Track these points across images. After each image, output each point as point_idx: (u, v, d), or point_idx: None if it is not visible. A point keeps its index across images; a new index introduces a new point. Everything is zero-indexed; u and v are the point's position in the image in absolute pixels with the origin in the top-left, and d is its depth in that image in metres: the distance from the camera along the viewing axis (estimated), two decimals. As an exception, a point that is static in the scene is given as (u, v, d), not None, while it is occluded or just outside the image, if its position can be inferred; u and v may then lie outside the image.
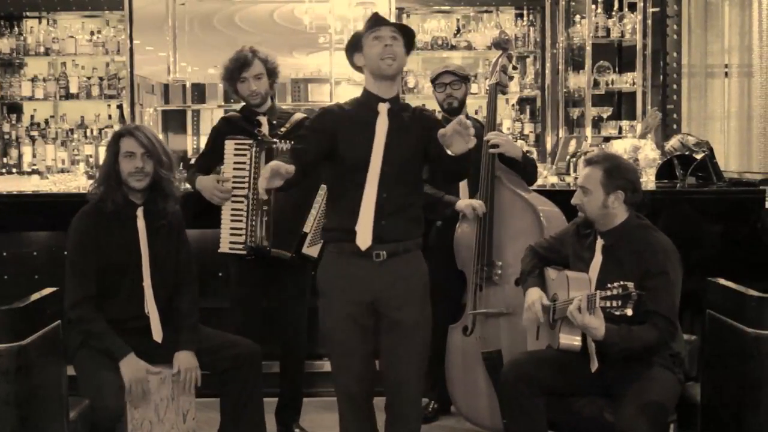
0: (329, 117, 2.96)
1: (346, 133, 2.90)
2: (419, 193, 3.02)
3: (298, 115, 3.76)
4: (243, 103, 3.76)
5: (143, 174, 3.16)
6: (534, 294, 3.13)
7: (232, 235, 3.56)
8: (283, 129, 3.66)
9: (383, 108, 2.92)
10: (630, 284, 2.71)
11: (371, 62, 2.90)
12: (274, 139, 3.58)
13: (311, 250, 3.56)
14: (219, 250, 3.58)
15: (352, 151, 2.88)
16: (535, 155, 6.34)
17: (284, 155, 3.38)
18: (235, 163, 3.56)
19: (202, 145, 6.67)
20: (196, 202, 3.66)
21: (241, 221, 3.55)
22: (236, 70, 3.64)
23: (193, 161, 3.98)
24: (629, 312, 2.72)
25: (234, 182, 3.55)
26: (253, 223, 3.53)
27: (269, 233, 3.52)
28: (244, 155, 3.54)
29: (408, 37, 2.95)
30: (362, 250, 2.85)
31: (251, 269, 3.61)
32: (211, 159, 3.74)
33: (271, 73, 3.69)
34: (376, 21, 2.92)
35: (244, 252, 3.55)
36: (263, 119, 3.68)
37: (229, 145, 3.57)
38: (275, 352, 3.74)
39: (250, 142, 3.55)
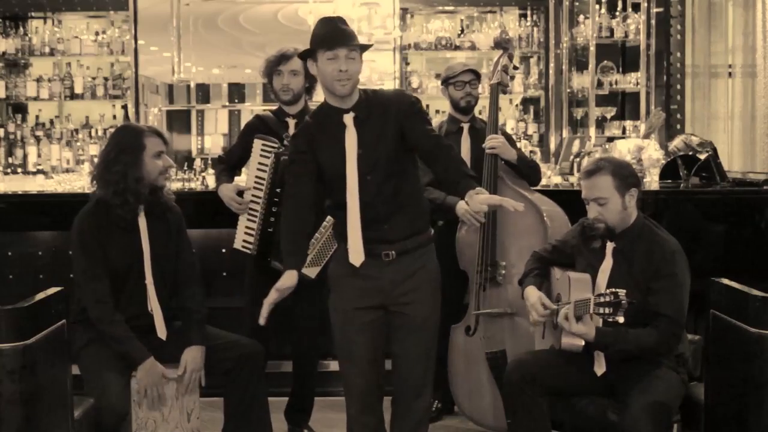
0: (303, 139, 2.94)
1: (320, 149, 2.89)
2: (413, 186, 2.97)
3: None
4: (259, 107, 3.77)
5: (168, 170, 3.19)
6: (533, 294, 3.12)
7: (246, 233, 3.57)
8: None
9: (348, 119, 2.87)
10: (622, 292, 2.71)
11: (325, 81, 2.85)
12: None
13: (308, 270, 3.51)
14: (234, 246, 3.58)
15: (329, 167, 2.88)
16: (538, 155, 6.35)
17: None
18: (259, 163, 3.55)
19: (207, 145, 6.77)
20: (199, 202, 3.67)
21: (255, 222, 3.56)
22: (275, 61, 3.65)
23: (223, 155, 3.97)
24: (620, 319, 2.72)
25: (255, 183, 3.56)
26: (260, 231, 3.54)
27: (272, 245, 3.52)
28: (268, 157, 3.53)
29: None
30: (357, 267, 2.87)
31: (267, 269, 3.61)
32: (238, 154, 3.74)
33: (310, 75, 3.68)
34: (330, 41, 2.81)
35: (252, 253, 3.56)
36: (291, 122, 3.67)
37: (257, 144, 3.56)
38: (287, 352, 3.74)
39: (277, 144, 3.54)
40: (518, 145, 4.30)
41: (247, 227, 3.57)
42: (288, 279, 2.87)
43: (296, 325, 3.70)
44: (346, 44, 2.81)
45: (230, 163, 3.77)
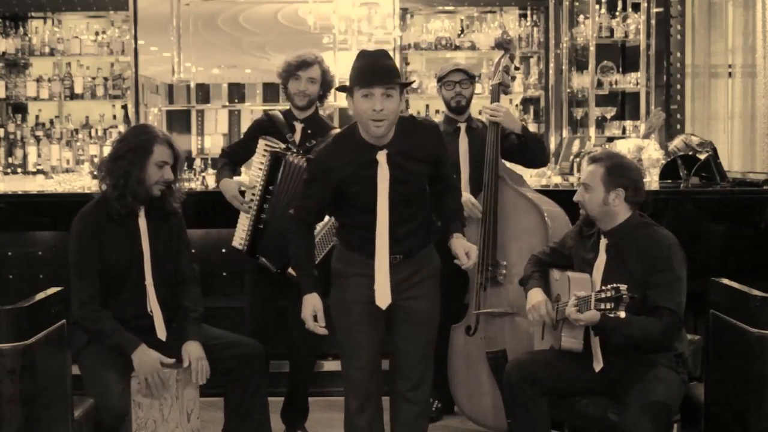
0: (324, 164, 2.88)
1: (347, 181, 2.84)
2: (427, 205, 3.01)
3: (336, 131, 3.74)
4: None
5: (166, 183, 3.18)
6: (537, 295, 3.14)
7: (242, 231, 3.60)
8: (313, 141, 3.64)
9: (382, 157, 2.82)
10: (623, 287, 2.71)
11: (360, 118, 2.77)
12: (293, 149, 3.58)
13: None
14: (232, 243, 3.62)
15: (357, 198, 2.86)
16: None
17: (295, 170, 3.47)
18: (259, 162, 3.58)
19: (207, 145, 6.78)
20: (199, 202, 3.67)
21: (249, 219, 3.59)
22: (296, 66, 3.65)
23: (227, 148, 3.98)
24: (622, 314, 2.72)
25: (255, 182, 3.58)
26: (251, 227, 3.56)
27: (261, 241, 3.56)
28: (265, 157, 3.56)
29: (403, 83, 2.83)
30: (383, 309, 2.89)
31: (266, 269, 3.61)
32: (242, 150, 3.77)
33: (326, 84, 3.69)
34: (367, 79, 2.70)
35: (242, 249, 3.58)
36: (298, 126, 3.68)
37: (261, 144, 3.59)
38: (283, 352, 3.75)
39: (278, 146, 3.56)
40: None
41: (243, 225, 3.59)
42: (311, 303, 2.91)
43: (292, 324, 3.70)
44: (382, 83, 2.69)
45: (234, 158, 3.80)
